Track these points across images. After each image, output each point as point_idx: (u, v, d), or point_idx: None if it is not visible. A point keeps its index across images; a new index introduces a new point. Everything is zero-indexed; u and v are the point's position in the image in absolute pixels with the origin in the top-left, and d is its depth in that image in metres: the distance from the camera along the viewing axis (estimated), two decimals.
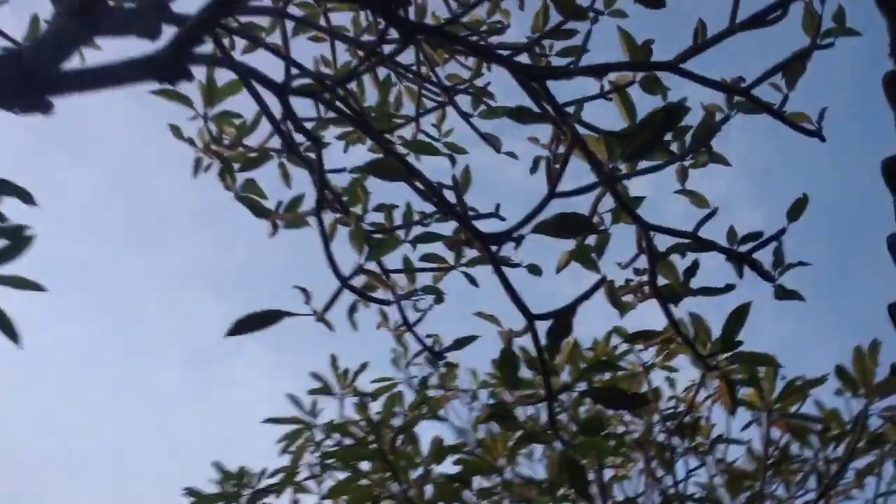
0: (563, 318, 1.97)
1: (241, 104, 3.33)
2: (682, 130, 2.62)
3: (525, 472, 4.59)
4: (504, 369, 2.01)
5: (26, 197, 2.41)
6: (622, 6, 2.73)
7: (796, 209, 2.37)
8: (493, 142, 3.12)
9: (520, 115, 2.01)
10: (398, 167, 1.99)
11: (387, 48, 2.76)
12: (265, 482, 4.75)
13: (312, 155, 2.74)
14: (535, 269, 2.63)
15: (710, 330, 2.41)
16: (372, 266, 2.73)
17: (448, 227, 3.08)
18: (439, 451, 3.89)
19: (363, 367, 4.81)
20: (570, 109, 2.47)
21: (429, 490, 4.05)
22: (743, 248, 2.36)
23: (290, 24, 3.01)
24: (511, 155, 3.13)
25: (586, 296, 2.03)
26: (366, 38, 3.18)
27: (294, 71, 2.43)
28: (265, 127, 3.30)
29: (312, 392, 4.72)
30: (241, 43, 3.18)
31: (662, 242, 2.58)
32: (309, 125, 2.65)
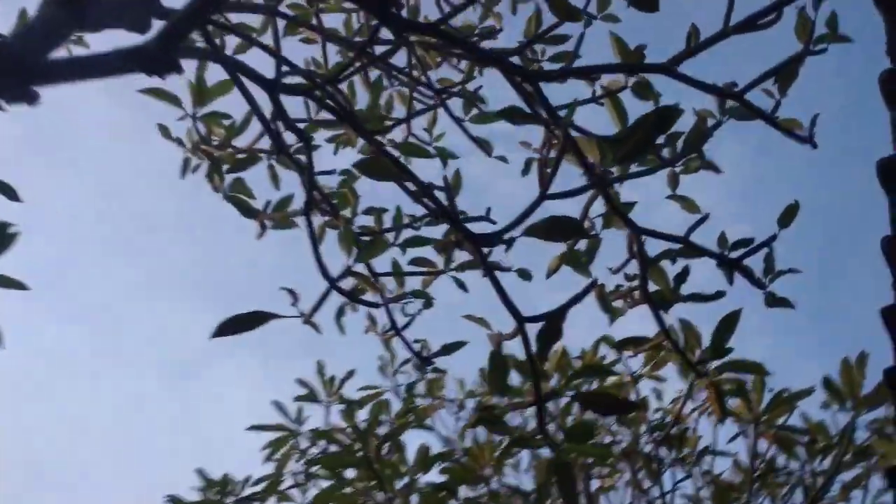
0: (553, 321, 1.95)
1: (231, 105, 3.31)
2: (674, 136, 2.62)
3: (511, 482, 4.57)
4: (493, 373, 1.99)
5: (10, 193, 2.37)
6: (614, 11, 2.73)
7: (787, 216, 2.37)
8: (484, 146, 3.10)
9: (512, 115, 2.00)
10: (389, 166, 1.97)
11: (379, 50, 2.74)
12: (249, 490, 4.69)
13: (302, 157, 2.73)
14: (525, 274, 2.61)
15: (700, 336, 2.39)
16: (361, 269, 2.71)
17: (438, 232, 3.07)
18: (425, 459, 3.86)
19: (350, 374, 4.77)
20: (562, 113, 2.46)
21: (414, 499, 4.00)
22: (734, 255, 2.35)
23: (281, 25, 2.99)
24: (502, 159, 3.12)
25: (577, 299, 2.01)
26: (357, 40, 3.16)
27: (285, 69, 2.40)
28: (254, 128, 3.29)
29: (298, 399, 4.67)
30: (232, 42, 3.15)
31: (653, 249, 2.57)
32: (299, 126, 2.62)
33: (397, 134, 3.34)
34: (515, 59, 2.84)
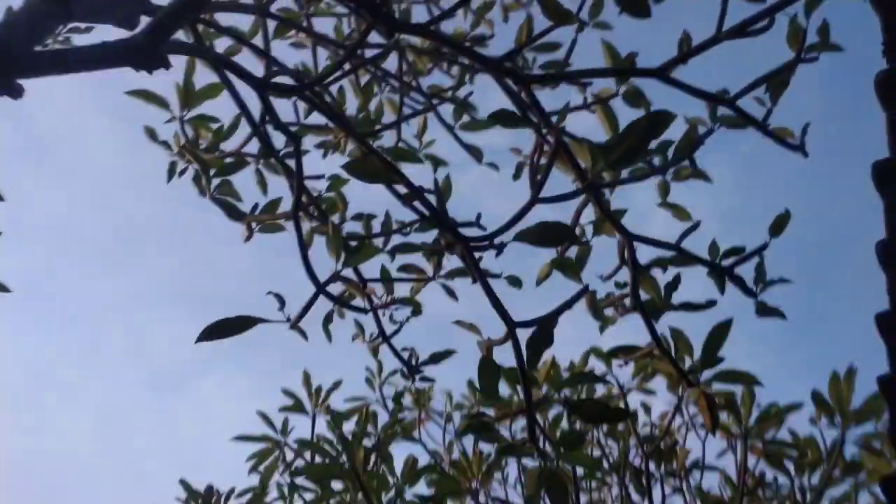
0: (544, 327, 1.92)
1: (219, 109, 3.28)
2: (665, 145, 2.61)
3: (500, 495, 4.53)
4: (484, 378, 1.96)
5: None
6: (606, 19, 2.73)
7: (778, 224, 2.36)
8: (474, 152, 3.09)
9: (504, 118, 1.98)
10: (379, 167, 1.94)
11: (370, 53, 2.72)
12: (233, 502, 4.63)
13: (291, 162, 2.70)
14: (515, 281, 2.59)
15: (691, 345, 2.37)
16: (349, 274, 2.67)
17: (427, 239, 3.04)
18: (412, 471, 3.81)
19: (336, 384, 4.73)
20: (554, 120, 2.44)
21: None
22: (725, 263, 2.33)
23: (271, 27, 2.97)
24: (492, 166, 3.11)
25: (568, 304, 1.99)
26: (347, 43, 3.15)
27: (274, 69, 2.38)
28: (242, 133, 3.26)
29: (284, 409, 4.62)
30: (222, 45, 3.13)
31: (643, 258, 2.55)
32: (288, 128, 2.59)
33: (387, 140, 3.32)
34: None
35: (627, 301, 2.43)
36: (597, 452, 4.44)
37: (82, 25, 2.64)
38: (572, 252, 2.58)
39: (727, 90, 2.21)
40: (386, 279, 2.81)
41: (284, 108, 3.10)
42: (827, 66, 2.38)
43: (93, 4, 1.76)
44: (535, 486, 1.93)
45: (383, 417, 4.69)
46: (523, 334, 2.03)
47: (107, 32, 2.05)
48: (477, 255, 2.06)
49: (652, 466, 4.41)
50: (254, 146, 3.20)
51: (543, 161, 2.66)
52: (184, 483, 4.52)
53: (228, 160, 3.22)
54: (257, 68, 2.93)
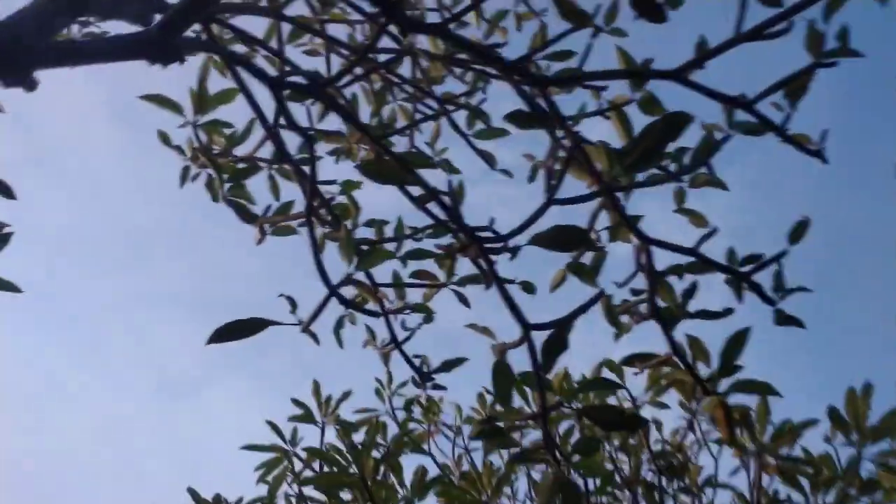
0: (560, 330, 1.89)
1: (232, 114, 3.28)
2: (681, 151, 2.58)
3: None
4: (498, 382, 1.92)
5: (7, 192, 2.33)
6: (622, 25, 2.71)
7: (797, 232, 2.32)
8: (488, 158, 3.07)
9: (520, 119, 1.96)
10: (394, 168, 1.92)
11: (383, 58, 2.71)
12: None
13: (305, 167, 2.68)
14: (528, 287, 2.56)
15: (709, 353, 2.33)
16: (361, 278, 2.65)
17: (439, 245, 3.01)
18: (422, 482, 3.77)
19: (346, 394, 4.70)
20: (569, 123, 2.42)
21: None
22: (744, 270, 2.30)
23: (285, 32, 2.97)
24: (506, 173, 3.09)
25: (584, 308, 1.96)
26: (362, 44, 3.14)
27: (288, 69, 2.37)
28: (255, 138, 3.25)
29: (293, 419, 4.59)
30: (237, 49, 3.12)
31: (659, 265, 2.52)
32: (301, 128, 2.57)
33: (400, 147, 3.31)
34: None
35: (643, 308, 2.39)
36: (608, 467, 4.39)
37: (97, 25, 2.64)
38: (587, 259, 2.55)
39: (745, 94, 2.19)
40: (398, 284, 2.79)
41: (297, 113, 3.10)
42: (836, 71, 2.35)
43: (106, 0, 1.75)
44: (548, 495, 1.89)
45: (393, 429, 4.66)
46: (538, 338, 2.00)
47: (119, 30, 2.04)
48: (491, 258, 2.03)
49: (664, 482, 4.35)
50: (266, 151, 3.21)
51: (558, 166, 2.64)
52: (191, 491, 4.49)
53: (241, 165, 3.22)
54: (271, 73, 2.94)
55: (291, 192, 3.35)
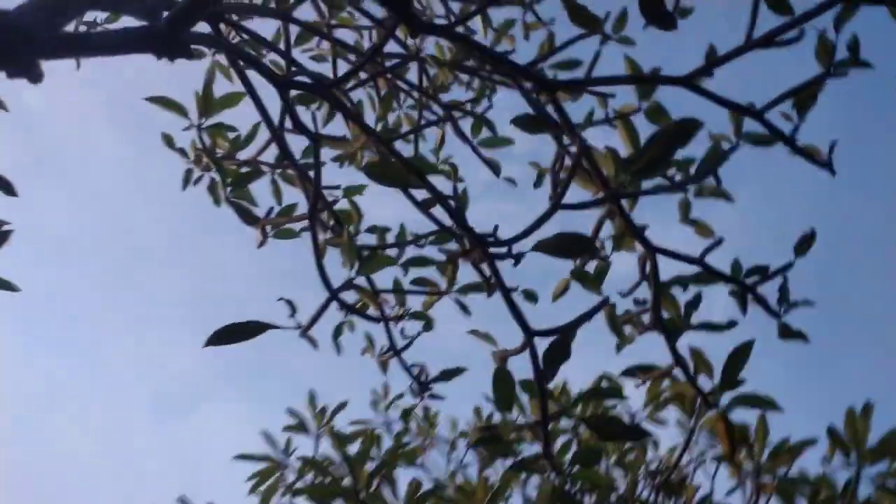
0: (563, 338, 1.87)
1: (237, 118, 3.27)
2: (688, 161, 2.57)
3: None
4: (498, 389, 1.90)
5: (8, 188, 2.31)
6: (629, 33, 2.71)
7: (804, 244, 2.30)
8: (493, 166, 3.05)
9: (527, 123, 1.94)
10: (399, 170, 1.90)
11: (390, 63, 2.70)
12: None
13: (308, 171, 2.67)
14: (531, 296, 2.54)
15: (712, 366, 2.31)
16: (362, 283, 2.62)
17: (441, 254, 3.00)
18: (415, 494, 3.72)
19: (342, 405, 4.66)
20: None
21: None
22: (749, 281, 2.28)
23: (292, 35, 2.96)
24: (510, 181, 3.07)
25: (588, 315, 1.93)
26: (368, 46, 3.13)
27: (294, 69, 2.36)
28: (259, 142, 3.24)
29: (288, 429, 4.54)
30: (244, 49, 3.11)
31: (663, 276, 2.49)
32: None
33: (404, 154, 3.29)
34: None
35: (646, 319, 2.37)
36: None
37: (104, 27, 2.64)
38: (590, 268, 2.53)
39: (753, 103, 2.17)
40: (399, 291, 2.76)
41: (303, 117, 3.09)
42: (841, 82, 2.34)
43: None
44: None
45: (388, 442, 4.61)
46: (540, 346, 1.98)
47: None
48: (495, 263, 2.01)
49: (661, 500, 4.30)
50: (270, 156, 3.19)
51: (563, 175, 2.62)
52: (182, 500, 4.43)
53: (244, 169, 3.20)
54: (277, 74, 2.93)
55: (294, 197, 3.34)
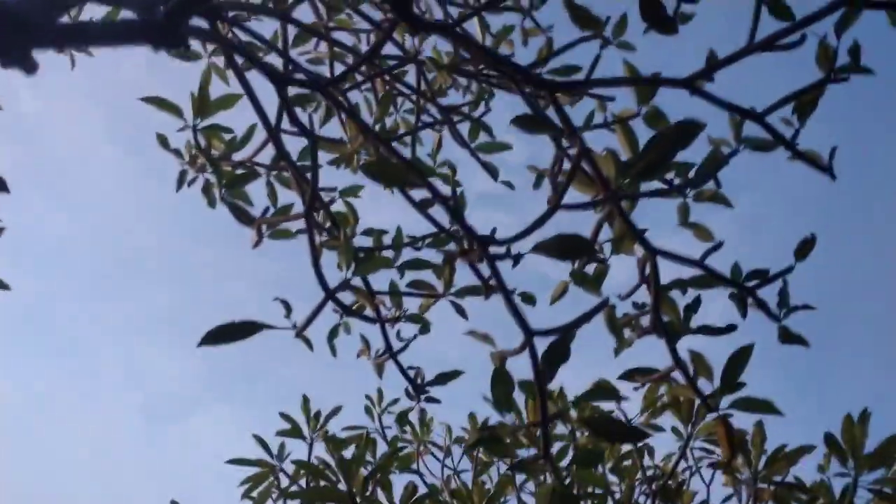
0: (562, 338, 1.85)
1: (233, 120, 3.25)
2: (687, 166, 2.56)
3: None
4: (497, 389, 1.88)
5: (2, 186, 2.29)
6: (629, 37, 2.70)
7: (804, 249, 2.29)
8: (490, 169, 3.04)
9: (527, 123, 1.93)
10: (398, 168, 1.89)
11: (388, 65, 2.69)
12: None
13: (305, 173, 2.65)
14: (528, 298, 2.52)
15: (711, 369, 2.29)
16: (358, 283, 2.60)
17: (438, 256, 2.98)
18: (411, 497, 3.69)
19: (336, 410, 4.63)
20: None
21: None
22: (748, 285, 2.26)
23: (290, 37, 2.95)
24: (507, 185, 3.06)
25: (587, 317, 1.92)
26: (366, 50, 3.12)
27: (291, 67, 2.34)
28: (254, 145, 3.22)
29: (281, 433, 4.51)
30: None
31: (663, 279, 2.48)
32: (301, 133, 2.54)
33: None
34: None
35: (644, 322, 2.35)
36: (599, 491, 4.32)
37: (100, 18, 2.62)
38: (589, 273, 2.51)
39: (754, 108, 2.17)
40: (395, 292, 2.74)
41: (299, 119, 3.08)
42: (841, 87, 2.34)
43: None
44: None
45: (382, 448, 4.59)
46: (539, 348, 1.96)
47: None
48: (495, 262, 1.99)
49: None
50: (265, 157, 3.18)
51: (562, 178, 2.61)
52: None
53: (240, 171, 3.18)
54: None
55: (289, 200, 3.32)
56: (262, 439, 4.54)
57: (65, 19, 1.52)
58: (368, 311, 2.72)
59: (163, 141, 3.23)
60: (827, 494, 4.05)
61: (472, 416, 4.81)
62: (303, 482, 4.46)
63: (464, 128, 3.37)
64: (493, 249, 1.85)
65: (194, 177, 3.24)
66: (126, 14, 1.80)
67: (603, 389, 1.90)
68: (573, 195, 2.23)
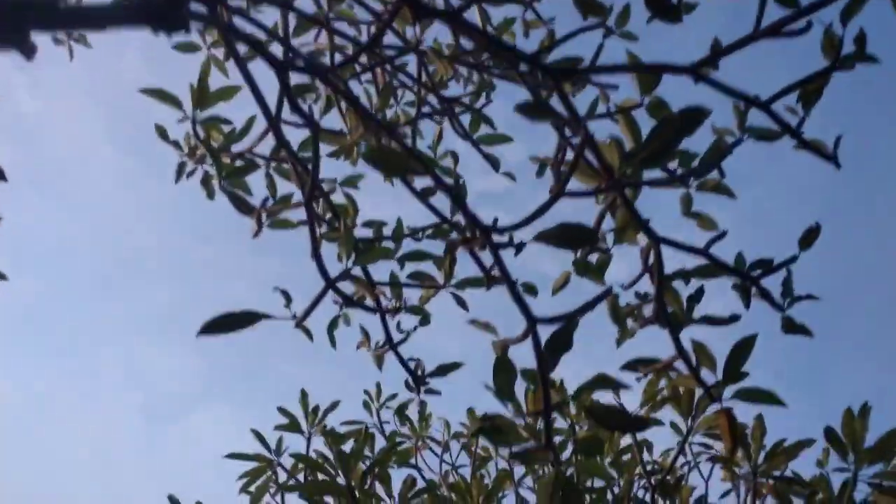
0: (566, 326, 1.83)
1: (232, 112, 3.23)
2: (690, 156, 2.54)
3: None
4: (498, 378, 1.86)
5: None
6: (632, 26, 2.69)
7: (808, 238, 2.28)
8: (491, 160, 3.03)
9: (530, 110, 1.91)
10: (399, 156, 1.87)
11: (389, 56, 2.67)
12: None
13: (305, 165, 2.63)
14: (531, 289, 2.50)
15: (714, 360, 2.28)
16: (358, 274, 2.58)
17: (438, 247, 2.97)
18: (410, 491, 3.68)
19: (334, 405, 4.62)
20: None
21: None
22: (752, 274, 2.25)
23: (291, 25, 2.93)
24: (509, 176, 3.04)
25: (591, 305, 1.90)
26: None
27: (291, 55, 2.32)
28: (254, 135, 3.20)
29: (279, 428, 4.50)
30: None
31: (665, 270, 2.47)
32: (302, 126, 2.53)
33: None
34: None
35: (647, 312, 2.34)
36: (599, 484, 4.32)
37: None
38: (592, 261, 2.50)
39: (759, 96, 2.15)
40: (395, 283, 2.73)
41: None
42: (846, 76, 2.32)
43: None
44: (548, 496, 1.82)
45: (380, 443, 4.58)
46: (542, 337, 1.95)
47: None
48: (498, 250, 1.97)
49: (656, 500, 4.27)
50: (265, 148, 3.16)
51: (565, 168, 2.59)
52: (171, 499, 4.38)
53: (239, 163, 3.17)
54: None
55: (289, 192, 3.30)
56: (259, 434, 4.53)
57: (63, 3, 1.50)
58: (369, 302, 2.70)
59: (162, 132, 3.21)
60: (826, 489, 4.04)
61: (470, 411, 4.80)
62: (301, 477, 4.45)
63: (464, 122, 3.36)
64: (495, 238, 1.83)
65: (193, 168, 3.22)
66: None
67: (604, 379, 1.89)
68: (575, 186, 2.21)
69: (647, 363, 2.26)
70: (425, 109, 3.23)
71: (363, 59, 2.87)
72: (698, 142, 2.59)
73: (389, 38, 2.96)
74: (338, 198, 3.15)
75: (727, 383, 2.23)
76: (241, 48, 3.04)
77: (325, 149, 3.41)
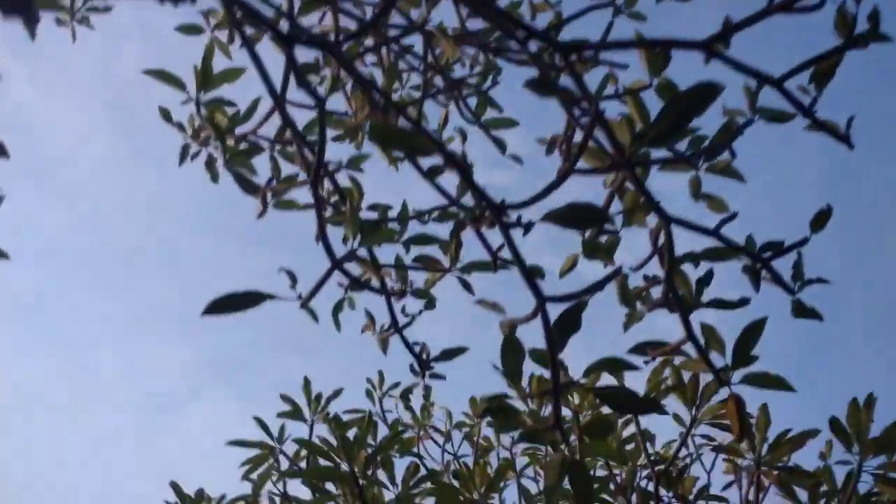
0: (576, 306, 1.81)
1: (236, 94, 3.21)
2: (699, 139, 2.52)
3: None
4: (506, 358, 1.84)
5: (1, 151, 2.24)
6: (641, 6, 2.66)
7: (819, 220, 2.25)
8: (498, 142, 3.00)
9: (540, 86, 1.88)
10: (405, 132, 1.84)
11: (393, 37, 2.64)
12: None
13: (310, 151, 2.60)
14: (538, 272, 2.47)
15: (724, 343, 2.25)
16: (364, 256, 2.56)
17: (444, 231, 2.95)
18: (413, 477, 3.66)
19: (337, 392, 4.61)
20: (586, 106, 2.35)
21: None
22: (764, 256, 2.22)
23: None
24: (515, 159, 3.02)
25: (601, 284, 1.87)
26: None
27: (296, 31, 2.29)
28: (259, 116, 3.18)
29: (282, 415, 4.49)
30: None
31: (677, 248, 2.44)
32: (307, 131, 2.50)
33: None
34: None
35: (656, 294, 2.32)
36: (602, 473, 4.30)
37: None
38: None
39: (772, 75, 2.13)
40: (401, 266, 2.70)
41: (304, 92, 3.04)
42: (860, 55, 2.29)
43: None
44: (556, 476, 1.80)
45: (383, 431, 4.57)
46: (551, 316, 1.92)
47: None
48: (508, 228, 1.95)
49: (661, 491, 4.26)
50: (270, 130, 3.14)
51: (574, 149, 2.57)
52: (174, 485, 4.37)
53: (243, 146, 3.14)
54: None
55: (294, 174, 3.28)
56: (261, 421, 4.52)
57: None
58: (374, 284, 2.68)
59: (165, 115, 3.19)
60: (830, 481, 4.02)
61: (473, 400, 4.79)
62: (303, 464, 4.43)
63: (470, 105, 3.33)
64: (503, 218, 1.80)
65: (197, 150, 3.20)
66: None
67: (614, 361, 1.86)
68: (584, 167, 2.19)
69: (655, 346, 2.24)
70: (431, 91, 3.20)
71: (369, 40, 2.84)
72: (709, 125, 2.57)
73: (396, 20, 2.94)
74: (343, 181, 3.13)
75: (736, 367, 2.21)
76: (248, 30, 3.02)
77: (330, 133, 3.39)
